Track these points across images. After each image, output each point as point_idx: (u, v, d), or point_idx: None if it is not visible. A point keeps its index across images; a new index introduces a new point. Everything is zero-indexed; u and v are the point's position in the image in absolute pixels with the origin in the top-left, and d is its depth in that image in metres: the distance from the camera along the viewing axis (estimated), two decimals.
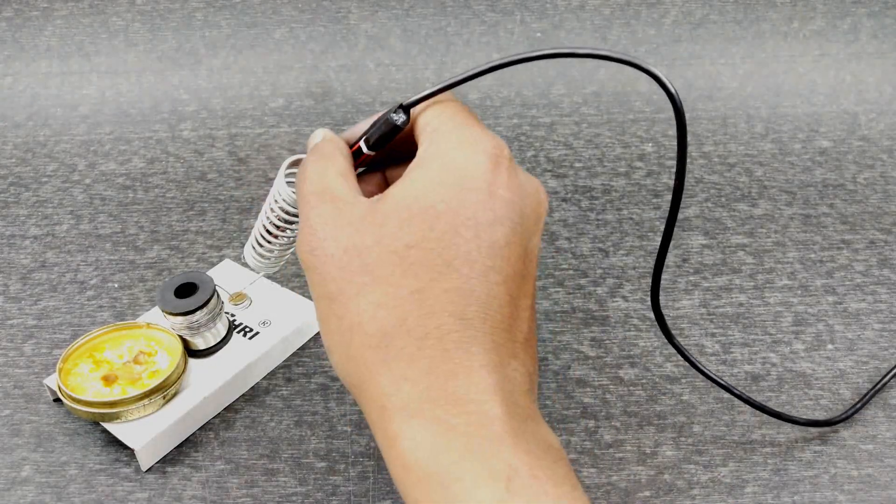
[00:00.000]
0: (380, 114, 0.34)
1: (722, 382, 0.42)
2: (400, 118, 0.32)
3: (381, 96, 0.73)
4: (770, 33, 0.76)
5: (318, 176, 0.32)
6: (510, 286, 0.28)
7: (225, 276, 0.52)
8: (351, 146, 0.35)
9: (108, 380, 0.43)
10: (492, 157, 0.30)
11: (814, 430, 0.44)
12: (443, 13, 0.76)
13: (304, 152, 0.60)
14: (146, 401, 0.42)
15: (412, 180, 0.29)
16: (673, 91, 0.30)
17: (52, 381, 0.44)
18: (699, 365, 0.41)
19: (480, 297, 0.28)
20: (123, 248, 0.58)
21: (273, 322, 0.48)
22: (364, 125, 0.35)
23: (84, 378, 0.43)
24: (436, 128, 0.31)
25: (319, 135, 0.35)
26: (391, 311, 0.28)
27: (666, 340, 0.50)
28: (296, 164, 0.40)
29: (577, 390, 0.47)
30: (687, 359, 0.41)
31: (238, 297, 0.50)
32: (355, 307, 0.28)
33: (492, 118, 0.71)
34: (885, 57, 0.76)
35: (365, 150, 0.34)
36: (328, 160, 0.33)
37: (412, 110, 0.33)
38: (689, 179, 0.65)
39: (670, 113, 0.72)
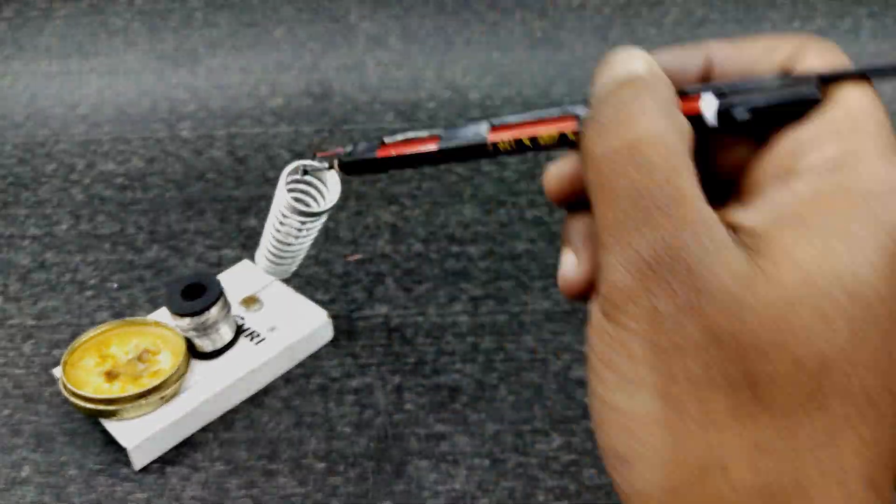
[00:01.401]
0: (766, 45, 0.23)
1: None
2: (813, 93, 0.20)
3: (381, 96, 0.73)
4: (770, 33, 0.76)
5: (664, 166, 0.20)
6: None
7: (241, 277, 0.52)
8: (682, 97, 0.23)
9: (110, 376, 0.43)
10: None
11: None
12: (443, 13, 0.76)
13: (303, 152, 0.60)
14: (143, 400, 0.42)
15: (828, 237, 0.18)
16: None
17: (59, 371, 0.44)
18: None
19: None
20: (122, 248, 0.58)
21: (281, 328, 0.48)
22: (682, 57, 0.24)
23: (88, 372, 0.43)
24: (852, 145, 0.19)
25: (639, 62, 0.22)
26: (780, 459, 0.18)
27: None
28: (295, 171, 0.40)
29: (577, 391, 0.46)
30: None
31: (250, 301, 0.49)
32: (716, 439, 0.18)
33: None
34: (885, 57, 0.75)
35: (710, 114, 0.22)
36: (684, 147, 0.20)
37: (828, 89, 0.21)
38: None
39: None
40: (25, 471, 0.42)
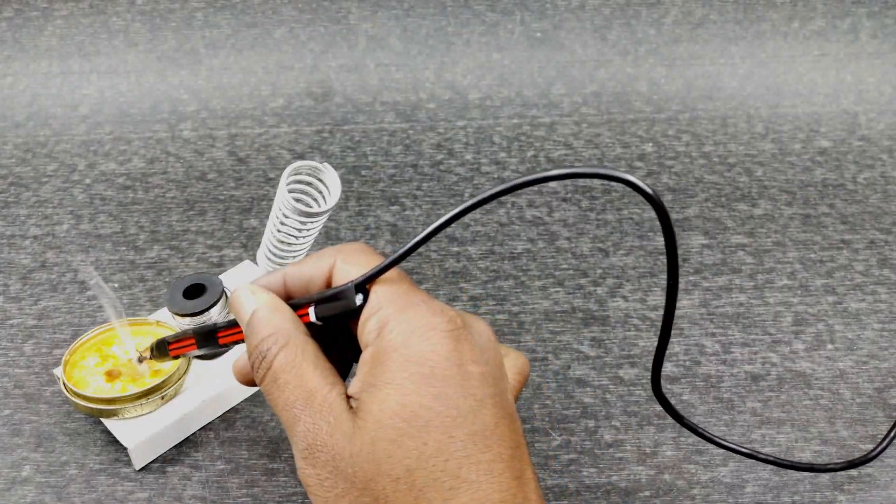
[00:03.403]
0: (315, 260, 0.32)
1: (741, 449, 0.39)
2: (357, 300, 0.29)
3: (381, 96, 0.73)
4: (770, 33, 0.76)
5: (295, 375, 0.28)
6: (512, 464, 0.27)
7: (242, 277, 0.52)
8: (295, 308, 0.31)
9: (111, 375, 0.43)
10: (450, 334, 0.28)
11: (813, 430, 0.44)
12: (443, 13, 0.76)
13: (304, 152, 0.60)
14: (144, 400, 0.42)
15: (383, 386, 0.27)
16: (651, 192, 0.27)
17: (60, 371, 0.45)
18: (716, 439, 0.39)
19: (493, 497, 0.26)
20: (123, 248, 0.58)
21: None
22: (290, 274, 0.32)
23: (89, 372, 0.43)
24: (383, 314, 0.28)
25: (251, 301, 0.31)
26: None
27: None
28: (297, 171, 0.40)
29: (577, 390, 0.47)
30: (700, 434, 0.39)
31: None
32: None
33: (492, 118, 0.71)
34: (885, 57, 0.76)
35: (313, 318, 0.31)
36: (298, 349, 0.29)
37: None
38: (689, 179, 0.65)
39: (670, 113, 0.72)
40: (26, 470, 0.43)
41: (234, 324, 0.34)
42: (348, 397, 0.28)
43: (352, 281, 0.30)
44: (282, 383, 0.28)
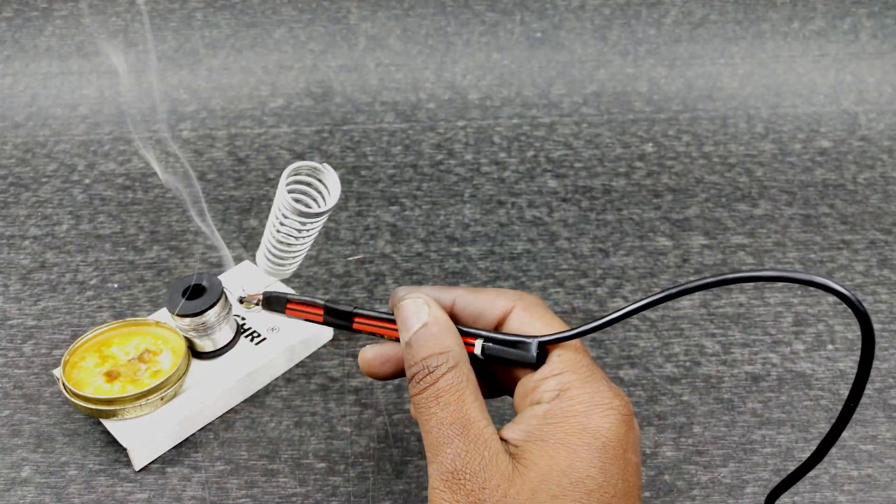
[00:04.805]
0: (492, 297, 0.33)
1: None
2: (533, 355, 0.31)
3: (381, 96, 0.73)
4: (770, 33, 0.76)
5: (457, 398, 0.30)
6: None
7: (242, 277, 0.52)
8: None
9: (110, 376, 0.43)
10: (625, 419, 0.30)
11: (814, 431, 0.44)
12: (443, 13, 0.76)
13: (303, 153, 0.60)
14: (143, 400, 0.42)
15: (554, 444, 0.29)
16: (862, 310, 0.28)
17: (59, 372, 0.45)
18: None
19: None
20: (123, 249, 0.58)
21: (282, 329, 0.48)
22: (462, 298, 0.34)
23: (88, 372, 0.43)
24: (566, 379, 0.30)
25: (425, 312, 0.32)
26: None
27: (666, 342, 0.50)
28: (296, 171, 0.40)
29: None
30: None
31: (251, 300, 0.49)
32: None
33: (492, 118, 0.71)
34: (885, 57, 0.75)
35: (478, 352, 0.32)
36: (465, 375, 0.31)
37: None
38: (689, 179, 0.65)
39: (670, 113, 0.72)
40: (26, 471, 0.43)
41: (381, 316, 0.35)
42: (503, 439, 0.30)
43: (537, 337, 0.31)
44: (443, 402, 0.30)
